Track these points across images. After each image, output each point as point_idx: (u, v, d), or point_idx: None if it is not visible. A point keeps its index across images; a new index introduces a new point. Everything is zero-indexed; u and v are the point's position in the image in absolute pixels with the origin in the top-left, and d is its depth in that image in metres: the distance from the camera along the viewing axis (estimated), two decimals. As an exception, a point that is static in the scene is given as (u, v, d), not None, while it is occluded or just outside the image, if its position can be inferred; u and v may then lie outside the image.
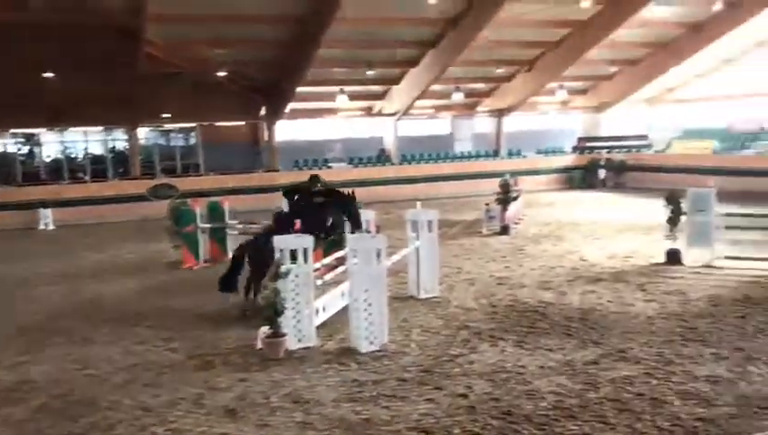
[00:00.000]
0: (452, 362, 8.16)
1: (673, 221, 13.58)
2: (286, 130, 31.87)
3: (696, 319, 9.67)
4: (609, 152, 32.07)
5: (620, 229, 18.37)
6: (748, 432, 6.03)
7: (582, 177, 31.84)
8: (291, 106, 29.27)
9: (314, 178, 11.75)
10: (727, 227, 14.11)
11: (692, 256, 13.55)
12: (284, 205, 11.14)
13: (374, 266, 8.74)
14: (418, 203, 11.95)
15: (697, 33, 27.10)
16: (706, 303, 10.56)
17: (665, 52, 28.92)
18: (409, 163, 31.45)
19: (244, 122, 31.24)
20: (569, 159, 32.90)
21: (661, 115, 35.78)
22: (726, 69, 31.47)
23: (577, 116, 36.30)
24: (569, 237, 17.37)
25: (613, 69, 31.25)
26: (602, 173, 31.33)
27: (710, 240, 13.43)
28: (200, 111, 28.74)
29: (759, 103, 30.46)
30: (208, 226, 15.81)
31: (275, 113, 29.66)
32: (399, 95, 30.12)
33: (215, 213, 16.13)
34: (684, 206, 13.61)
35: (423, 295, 11.37)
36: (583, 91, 34.12)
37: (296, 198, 10.93)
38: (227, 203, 16.64)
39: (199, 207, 15.94)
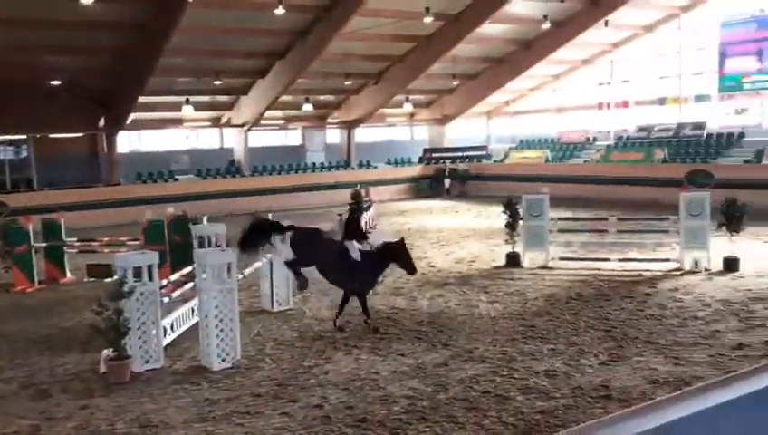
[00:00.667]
0: (307, 374, 8.12)
1: (511, 226, 14.40)
2: (129, 142, 30.34)
3: (535, 317, 10.30)
4: (453, 162, 33.48)
5: (465, 235, 19.20)
6: (583, 421, 6.49)
7: (429, 186, 33.01)
8: (133, 116, 27.92)
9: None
10: (560, 231, 15.21)
11: (529, 259, 14.44)
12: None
13: (225, 281, 8.52)
14: (270, 215, 11.79)
15: (528, 49, 28.99)
16: (543, 302, 11.28)
17: (501, 67, 30.69)
18: (261, 174, 31.03)
19: (81, 133, 29.35)
20: (417, 170, 33.97)
21: (499, 127, 37.96)
22: (557, 84, 33.96)
23: (423, 128, 37.61)
24: (418, 244, 17.86)
25: (455, 83, 32.67)
26: (447, 182, 32.65)
27: (545, 243, 14.37)
28: (33, 122, 26.63)
29: (584, 116, 33.16)
30: (43, 245, 14.68)
31: (116, 124, 28.14)
32: (248, 105, 29.67)
33: (50, 231, 14.98)
34: (520, 211, 14.46)
35: (277, 308, 11.22)
36: (428, 104, 35.42)
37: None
38: (63, 219, 15.46)
39: (32, 225, 14.74)
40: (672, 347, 8.61)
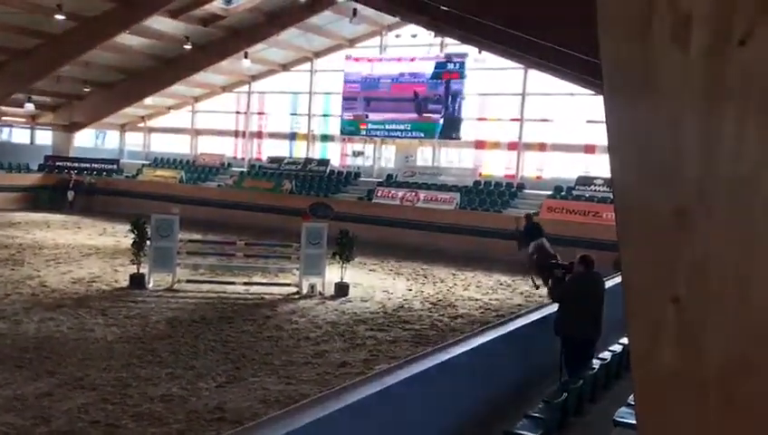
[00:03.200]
0: None
1: (138, 246, 13.85)
2: None
3: (155, 341, 10.02)
4: (78, 174, 30.98)
5: (87, 253, 17.86)
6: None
7: (50, 197, 29.95)
8: None
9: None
10: (189, 253, 15.13)
11: (155, 280, 14.04)
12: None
13: None
14: None
15: (168, 67, 28.49)
16: (165, 325, 11.05)
17: (139, 80, 29.56)
18: None
19: None
20: (35, 178, 30.60)
21: (134, 141, 36.40)
22: (197, 106, 33.99)
23: (47, 133, 34.11)
24: (30, 262, 16.07)
25: (86, 89, 30.47)
26: (71, 195, 30.00)
27: (173, 264, 14.13)
28: None
29: (221, 141, 33.72)
30: None
31: None
32: None
33: None
34: (149, 231, 14.02)
35: None
36: (54, 108, 32.34)
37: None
38: None
39: None
40: (286, 367, 9.15)
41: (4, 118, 31.65)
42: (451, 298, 14.73)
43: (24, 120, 32.56)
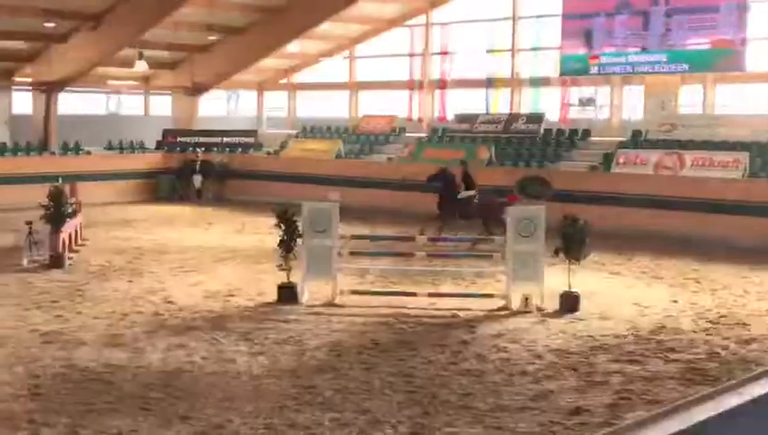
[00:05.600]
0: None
1: (287, 245, 14.48)
2: None
3: (314, 375, 10.46)
4: (206, 152, 32.99)
5: (221, 258, 19.04)
6: None
7: (171, 185, 32.26)
8: None
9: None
10: (352, 253, 15.59)
11: (310, 292, 14.65)
12: None
13: None
14: None
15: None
16: (327, 353, 11.49)
17: (278, 19, 30.92)
18: None
19: None
20: (152, 160, 33.08)
21: (275, 103, 38.23)
22: (356, 50, 34.95)
23: (165, 99, 36.83)
24: (151, 271, 17.39)
25: (212, 37, 32.40)
26: (198, 180, 32.03)
27: (332, 270, 14.64)
28: None
29: (390, 97, 34.45)
30: None
31: None
32: None
33: None
34: (300, 226, 14.63)
35: None
36: (173, 65, 34.76)
37: None
38: None
39: None
40: (494, 413, 9.16)
41: (110, 82, 34.56)
42: (740, 314, 14.05)
43: (135, 83, 35.33)
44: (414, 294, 14.69)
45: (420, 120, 33.08)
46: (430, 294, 14.78)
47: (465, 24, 32.16)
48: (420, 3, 32.09)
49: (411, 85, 33.55)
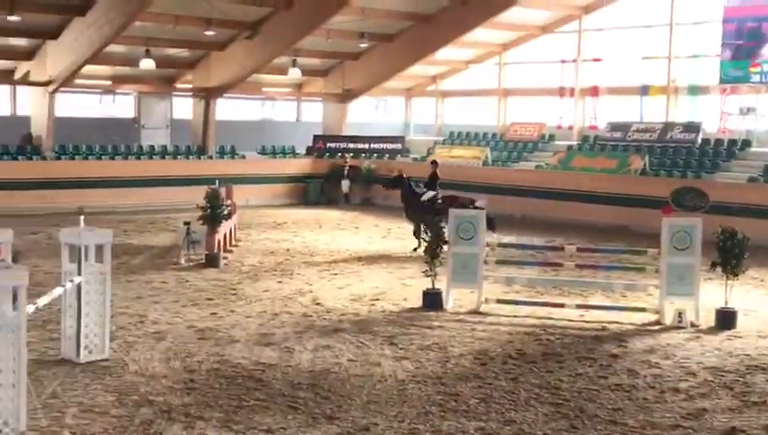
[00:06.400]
0: (125, 456, 7.92)
1: (432, 252, 14.56)
2: None
3: (459, 382, 10.45)
4: (354, 157, 33.59)
5: (368, 262, 19.32)
6: None
7: (321, 189, 32.97)
8: None
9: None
10: (498, 262, 15.52)
11: (455, 299, 14.66)
12: None
13: (6, 315, 8.16)
14: (82, 218, 11.45)
15: (465, 4, 29.44)
16: (472, 361, 11.47)
17: (429, 26, 31.08)
18: (71, 158, 30.08)
19: None
20: (303, 164, 33.88)
21: (423, 111, 38.44)
22: (505, 57, 34.82)
23: (316, 105, 37.61)
24: (300, 272, 17.84)
25: (363, 44, 32.89)
26: (346, 185, 32.68)
27: (478, 277, 14.61)
28: None
29: (539, 103, 34.13)
30: None
31: None
32: (58, 55, 28.74)
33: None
34: (446, 232, 14.66)
35: (85, 358, 10.88)
36: (324, 72, 35.47)
37: None
38: None
39: None
40: (644, 430, 8.93)
41: (264, 89, 35.56)
42: None
43: (288, 90, 36.23)
44: (562, 305, 14.53)
45: (570, 127, 32.67)
46: (579, 306, 14.57)
47: (618, 29, 31.56)
48: (572, 9, 31.67)
49: (562, 92, 33.18)
